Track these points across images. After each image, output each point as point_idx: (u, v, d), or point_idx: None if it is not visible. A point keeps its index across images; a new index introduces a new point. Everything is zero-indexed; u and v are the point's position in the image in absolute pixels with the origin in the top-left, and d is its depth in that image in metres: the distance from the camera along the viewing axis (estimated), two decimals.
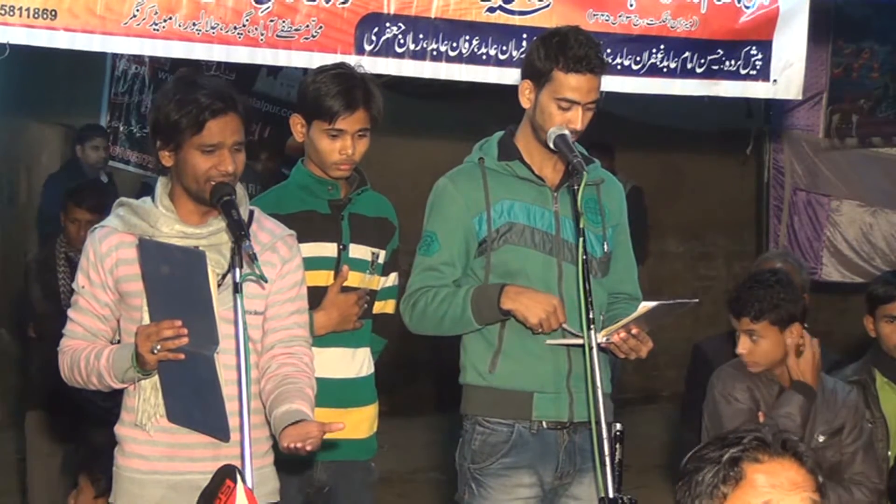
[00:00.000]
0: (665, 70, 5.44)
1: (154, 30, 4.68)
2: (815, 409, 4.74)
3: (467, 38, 5.10)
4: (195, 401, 3.75)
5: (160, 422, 3.82)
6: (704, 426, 4.89)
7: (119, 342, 3.89)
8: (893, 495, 5.04)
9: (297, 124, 4.42)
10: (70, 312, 3.92)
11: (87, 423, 6.71)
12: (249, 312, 3.82)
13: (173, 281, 3.65)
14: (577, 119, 4.21)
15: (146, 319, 3.76)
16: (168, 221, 3.83)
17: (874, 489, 4.77)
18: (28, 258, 7.97)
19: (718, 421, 4.79)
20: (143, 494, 3.86)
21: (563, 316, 4.16)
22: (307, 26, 4.88)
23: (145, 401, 3.81)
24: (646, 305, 4.14)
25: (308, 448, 3.61)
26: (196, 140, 3.75)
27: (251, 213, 3.95)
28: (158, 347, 3.63)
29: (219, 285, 3.73)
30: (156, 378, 3.78)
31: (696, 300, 4.60)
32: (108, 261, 3.84)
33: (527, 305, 4.17)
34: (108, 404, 4.70)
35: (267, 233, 3.96)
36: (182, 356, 3.64)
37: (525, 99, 4.31)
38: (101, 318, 3.87)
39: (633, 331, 4.15)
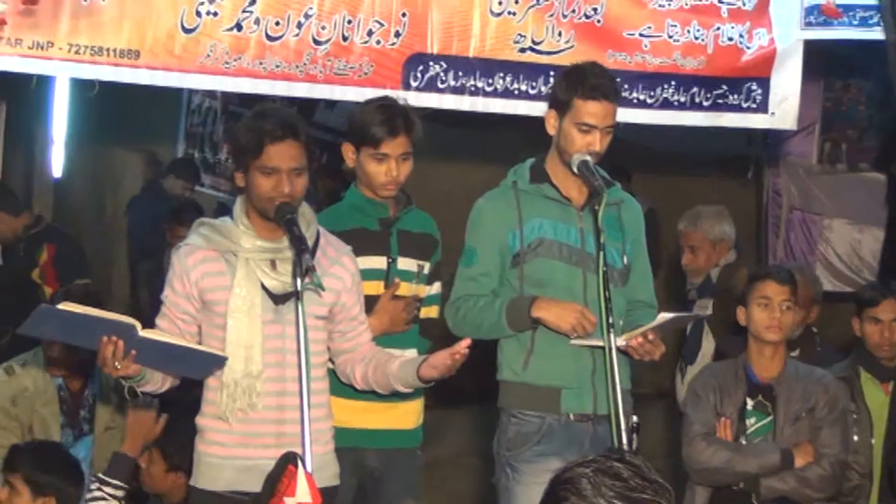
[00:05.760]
0: (676, 104, 5.44)
1: (226, 68, 4.72)
2: (782, 403, 4.75)
3: (501, 74, 5.12)
4: (179, 363, 3.81)
5: (238, 414, 3.86)
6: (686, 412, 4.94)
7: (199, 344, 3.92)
8: (892, 476, 5.04)
9: (347, 151, 4.42)
10: (156, 319, 3.96)
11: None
12: (318, 317, 3.94)
13: (66, 326, 3.67)
14: (597, 141, 4.23)
15: (230, 325, 3.82)
16: (249, 238, 3.87)
17: (836, 461, 4.71)
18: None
19: (691, 411, 4.85)
20: (219, 477, 3.91)
21: (593, 317, 4.18)
22: (360, 65, 4.92)
23: (229, 395, 3.85)
24: (664, 316, 4.19)
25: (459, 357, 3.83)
26: (257, 162, 3.79)
27: (317, 231, 3.99)
28: (118, 364, 3.64)
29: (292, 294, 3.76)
30: (238, 376, 3.83)
31: (707, 313, 4.61)
32: (193, 273, 3.88)
33: (557, 314, 4.20)
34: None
35: (334, 248, 4.04)
36: (134, 352, 3.65)
37: (550, 126, 4.33)
38: (181, 321, 3.91)
39: (650, 336, 4.16)
